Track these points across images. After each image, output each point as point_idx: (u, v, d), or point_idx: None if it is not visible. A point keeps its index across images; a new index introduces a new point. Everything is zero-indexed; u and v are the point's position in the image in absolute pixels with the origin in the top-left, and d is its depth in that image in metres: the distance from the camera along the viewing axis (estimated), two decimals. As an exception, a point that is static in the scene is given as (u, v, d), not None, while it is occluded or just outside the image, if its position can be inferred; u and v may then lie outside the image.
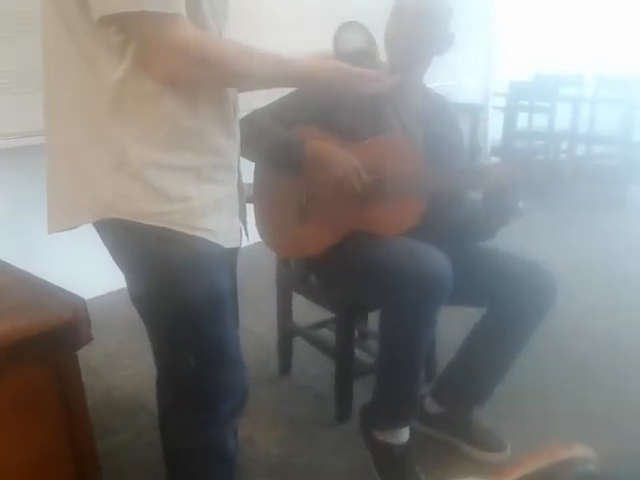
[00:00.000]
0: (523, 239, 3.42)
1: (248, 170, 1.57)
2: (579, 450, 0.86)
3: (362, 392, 1.90)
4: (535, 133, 4.93)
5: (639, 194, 4.72)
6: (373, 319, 2.03)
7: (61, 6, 1.02)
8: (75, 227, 1.12)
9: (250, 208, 1.57)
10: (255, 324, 2.59)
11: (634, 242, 3.72)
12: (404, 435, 1.76)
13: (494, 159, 4.58)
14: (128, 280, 1.17)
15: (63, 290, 1.19)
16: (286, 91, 1.69)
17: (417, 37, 1.65)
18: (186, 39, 0.99)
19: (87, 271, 2.43)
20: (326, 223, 1.73)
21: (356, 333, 2.14)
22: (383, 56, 1.65)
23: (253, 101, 1.54)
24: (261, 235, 1.78)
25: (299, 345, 2.28)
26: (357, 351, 2.01)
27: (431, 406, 1.90)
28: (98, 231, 1.14)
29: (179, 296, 1.12)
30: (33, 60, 1.10)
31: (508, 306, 1.68)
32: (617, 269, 3.27)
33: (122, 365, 2.35)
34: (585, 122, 4.89)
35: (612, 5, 5.41)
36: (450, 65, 1.71)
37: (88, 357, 2.29)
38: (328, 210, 1.72)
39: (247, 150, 1.36)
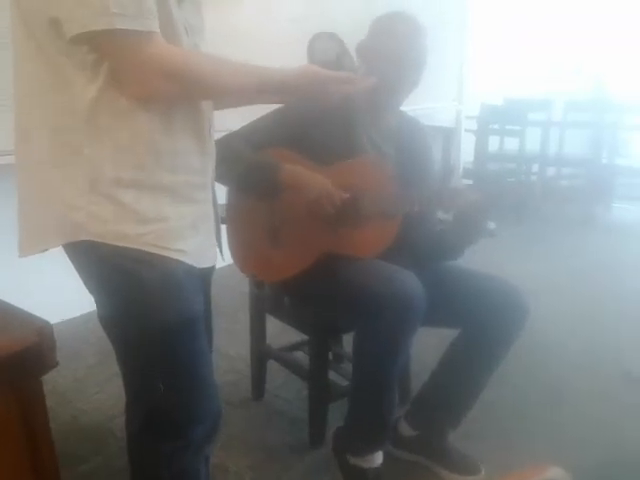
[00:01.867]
0: (495, 259, 3.46)
1: (221, 191, 1.56)
2: (554, 472, 0.85)
3: (336, 416, 1.88)
4: (506, 156, 5.02)
5: (607, 213, 4.83)
6: (348, 342, 2.01)
7: (32, 26, 1.01)
8: (45, 250, 1.09)
9: (224, 229, 1.55)
10: (228, 346, 2.56)
11: (603, 260, 3.78)
12: (377, 459, 1.75)
13: (466, 181, 4.64)
14: (98, 302, 1.14)
15: (28, 314, 1.15)
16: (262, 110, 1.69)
17: (397, 73, 1.66)
18: (160, 56, 0.99)
19: (54, 294, 2.37)
20: (299, 246, 1.72)
21: (330, 356, 2.12)
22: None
23: (228, 120, 1.54)
24: (233, 258, 1.77)
25: (273, 368, 2.25)
26: (332, 374, 1.99)
27: (405, 429, 1.89)
28: (67, 253, 1.12)
29: (151, 318, 1.10)
30: (9, 76, 1.08)
31: (481, 327, 1.68)
32: (587, 287, 3.32)
33: (90, 391, 2.29)
34: (555, 145, 4.99)
35: (579, 32, 5.57)
36: (423, 88, 1.73)
37: (55, 382, 2.24)
38: (301, 233, 1.72)
39: (220, 174, 1.35)
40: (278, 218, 1.72)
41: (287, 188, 1.62)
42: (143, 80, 1.00)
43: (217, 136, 1.30)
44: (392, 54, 1.65)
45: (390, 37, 1.67)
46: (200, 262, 1.17)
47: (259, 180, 1.63)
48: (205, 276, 1.24)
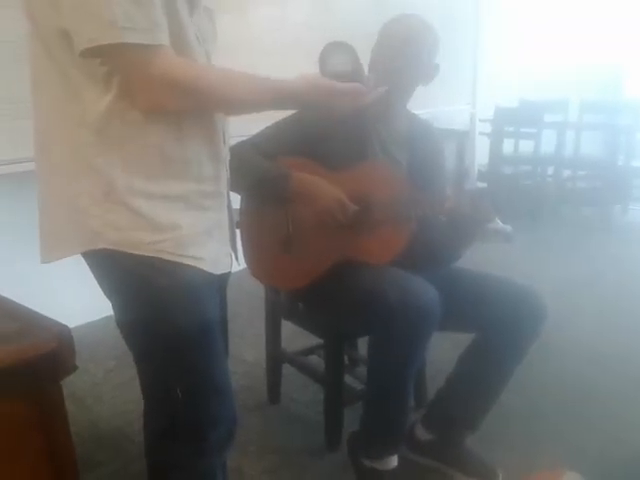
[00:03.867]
0: (511, 262, 3.44)
1: (235, 195, 1.57)
2: (570, 477, 0.85)
3: (353, 419, 1.87)
4: (521, 158, 4.99)
5: (624, 215, 4.79)
6: (363, 345, 2.01)
7: (45, 39, 1.02)
8: (65, 257, 1.11)
9: (238, 233, 1.56)
10: (243, 351, 2.56)
11: (621, 262, 3.74)
12: (392, 462, 1.74)
13: (481, 184, 4.61)
14: (116, 309, 1.16)
15: (48, 318, 1.17)
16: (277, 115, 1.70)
17: (402, 67, 1.66)
18: (169, 70, 1.00)
19: (74, 297, 2.40)
20: (313, 254, 1.73)
21: (346, 359, 2.12)
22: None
23: (243, 125, 1.55)
24: (248, 264, 1.77)
25: (288, 372, 2.25)
26: (347, 378, 1.99)
27: (421, 433, 1.88)
28: (86, 260, 1.13)
29: (168, 325, 1.11)
30: (28, 85, 1.11)
31: (498, 331, 1.67)
32: (605, 289, 3.29)
33: (109, 395, 2.31)
34: (570, 147, 4.96)
35: (595, 33, 5.52)
36: (437, 92, 1.73)
37: (73, 387, 2.26)
38: (315, 240, 1.72)
39: (232, 183, 1.36)
40: (291, 225, 1.73)
41: (298, 197, 1.63)
42: (151, 94, 1.01)
43: (232, 142, 1.31)
44: (396, 55, 1.65)
45: (394, 38, 1.68)
46: (216, 268, 1.17)
47: (270, 190, 1.65)
48: (221, 282, 1.25)
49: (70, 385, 2.10)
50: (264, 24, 3.17)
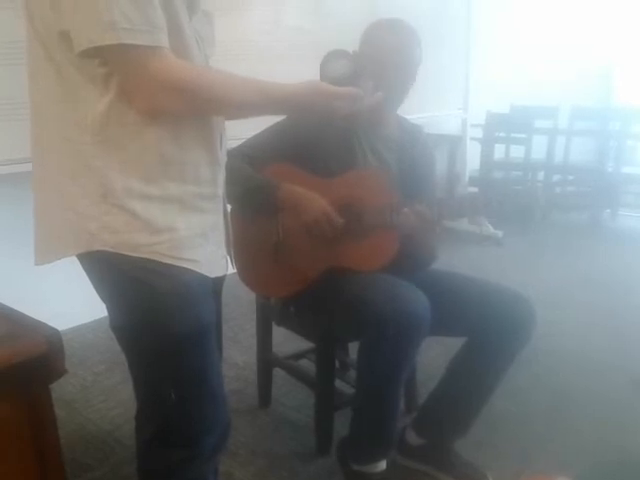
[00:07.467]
0: (501, 267, 3.45)
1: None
2: (561, 481, 0.85)
3: (343, 423, 1.87)
4: (512, 164, 5.01)
5: (613, 221, 4.83)
6: (354, 349, 2.02)
7: (44, 40, 1.03)
8: (60, 259, 1.10)
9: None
10: (234, 354, 2.56)
11: (610, 268, 3.77)
12: (381, 465, 1.75)
13: (472, 189, 4.63)
14: (111, 312, 1.15)
15: (37, 321, 1.16)
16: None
17: (394, 76, 1.65)
18: (168, 71, 1.00)
19: (62, 302, 2.38)
20: (303, 261, 1.73)
21: (337, 364, 2.12)
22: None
23: (240, 129, 1.55)
24: (237, 271, 1.77)
25: (279, 375, 2.25)
26: (338, 382, 1.99)
27: (412, 437, 1.88)
28: (81, 262, 1.13)
29: (164, 328, 1.11)
30: (25, 87, 1.11)
31: (488, 335, 1.68)
32: (594, 294, 3.31)
33: (98, 399, 2.29)
34: (561, 153, 4.99)
35: (586, 39, 5.56)
36: (429, 97, 1.74)
37: (63, 390, 2.24)
38: (304, 248, 1.72)
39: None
40: (281, 233, 1.73)
41: (285, 208, 1.65)
42: (150, 95, 1.01)
43: (229, 144, 1.31)
44: (386, 65, 1.64)
45: (372, 43, 1.68)
46: (212, 271, 1.17)
47: (258, 201, 1.66)
48: (216, 285, 1.25)
49: (59, 388, 2.09)
50: (261, 26, 3.17)
